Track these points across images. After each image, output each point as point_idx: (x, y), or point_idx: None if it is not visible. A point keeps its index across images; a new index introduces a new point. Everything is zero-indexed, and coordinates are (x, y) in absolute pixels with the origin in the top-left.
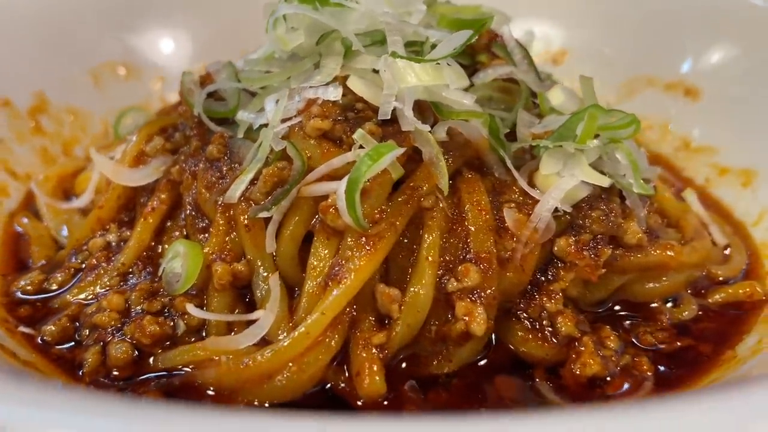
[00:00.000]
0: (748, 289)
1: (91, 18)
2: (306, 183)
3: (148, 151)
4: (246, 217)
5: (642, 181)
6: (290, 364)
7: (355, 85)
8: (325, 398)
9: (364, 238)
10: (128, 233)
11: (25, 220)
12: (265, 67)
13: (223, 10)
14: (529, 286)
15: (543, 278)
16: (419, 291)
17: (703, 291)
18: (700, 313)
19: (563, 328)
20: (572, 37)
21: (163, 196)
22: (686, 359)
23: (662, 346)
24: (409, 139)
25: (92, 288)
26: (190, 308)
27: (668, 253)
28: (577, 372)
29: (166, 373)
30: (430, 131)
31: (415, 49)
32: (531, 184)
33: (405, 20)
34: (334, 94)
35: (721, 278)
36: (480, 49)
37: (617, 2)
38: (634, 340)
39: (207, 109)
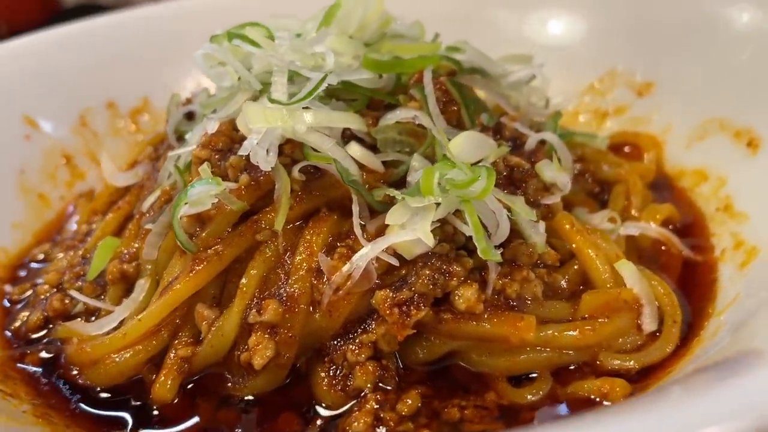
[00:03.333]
0: (607, 387)
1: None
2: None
3: (139, 158)
4: (141, 226)
5: (488, 245)
6: (113, 356)
7: (239, 120)
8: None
9: (192, 261)
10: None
11: (83, 201)
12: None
13: None
14: (345, 332)
15: (359, 327)
16: (228, 316)
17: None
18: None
19: (355, 380)
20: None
21: (129, 198)
22: None
23: (464, 427)
24: (269, 175)
25: (58, 264)
26: (72, 293)
27: (506, 326)
28: (347, 428)
29: (54, 341)
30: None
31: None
32: (382, 232)
33: (294, 61)
34: (212, 127)
35: (611, 368)
36: (401, 89)
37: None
38: (440, 411)
39: (180, 125)
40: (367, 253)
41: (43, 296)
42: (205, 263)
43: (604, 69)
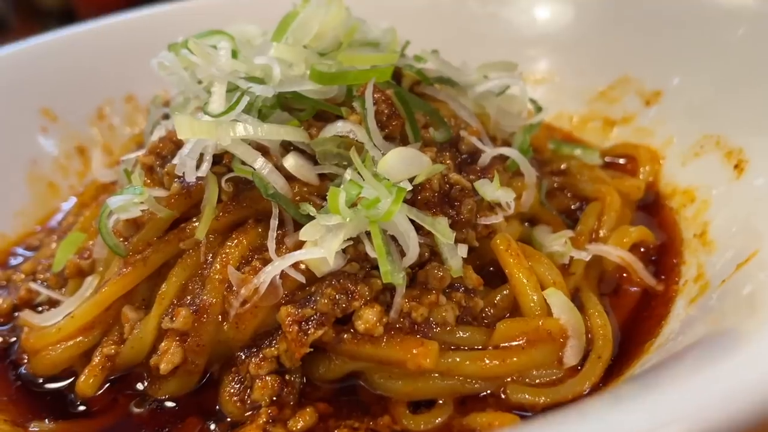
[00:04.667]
0: (496, 423)
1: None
2: None
3: (123, 156)
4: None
5: (392, 268)
6: (50, 346)
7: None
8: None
9: (121, 264)
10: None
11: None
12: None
13: None
14: (253, 344)
15: (266, 340)
16: (146, 321)
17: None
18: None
19: (253, 393)
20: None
21: (110, 194)
22: None
23: None
24: (201, 185)
25: (43, 253)
26: (32, 285)
27: (402, 351)
28: None
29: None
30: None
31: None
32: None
33: (237, 71)
34: (160, 134)
35: (515, 401)
36: (345, 101)
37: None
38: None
39: (157, 123)
40: (274, 268)
41: (19, 284)
42: (131, 267)
43: (617, 75)
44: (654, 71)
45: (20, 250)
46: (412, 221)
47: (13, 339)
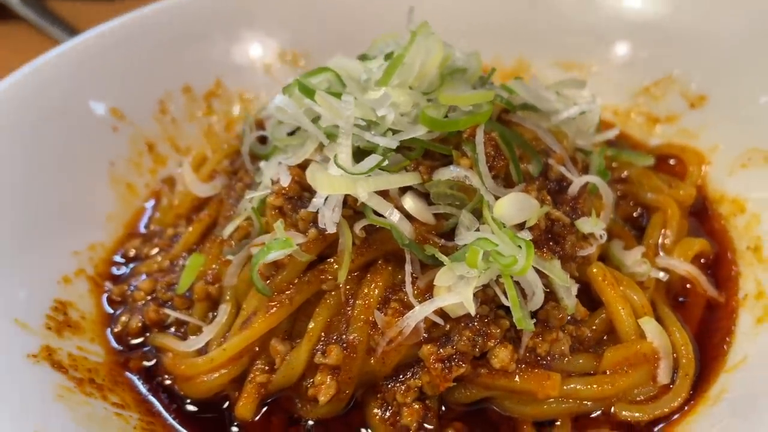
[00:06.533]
0: None
1: (262, 14)
2: (254, 244)
3: (218, 169)
4: (222, 254)
5: (523, 315)
6: (202, 374)
7: (309, 172)
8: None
9: (268, 302)
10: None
11: (166, 189)
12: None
13: None
14: (396, 375)
15: (408, 372)
16: (297, 354)
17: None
18: None
19: (403, 419)
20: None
21: (209, 211)
22: None
23: None
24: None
25: (152, 266)
26: (167, 310)
27: (534, 383)
28: None
29: (152, 347)
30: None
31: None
32: (430, 287)
33: (360, 125)
34: (285, 180)
35: (622, 418)
36: (454, 142)
37: None
38: None
39: (253, 148)
40: (417, 314)
41: (140, 302)
42: (278, 306)
43: (662, 73)
44: (701, 75)
45: (117, 258)
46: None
47: (149, 363)
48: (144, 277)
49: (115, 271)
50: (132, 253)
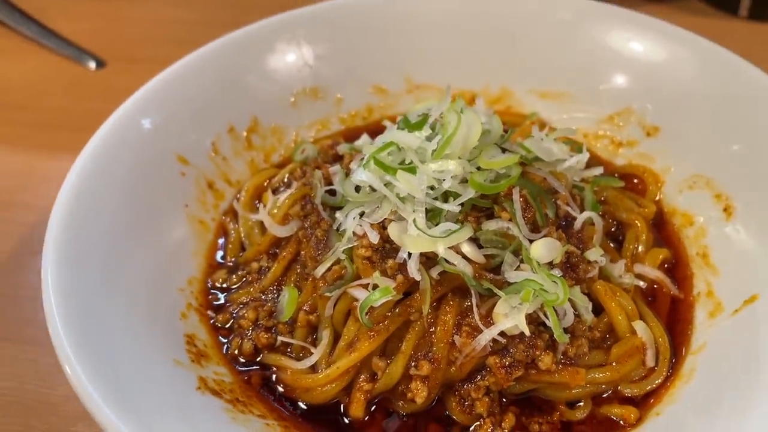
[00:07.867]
0: (625, 414)
1: (290, 49)
2: (350, 285)
3: (291, 213)
4: (319, 290)
5: (561, 332)
6: (320, 387)
7: (391, 231)
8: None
9: (369, 332)
10: (272, 264)
11: (230, 223)
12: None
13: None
14: (468, 377)
15: (478, 375)
16: (394, 368)
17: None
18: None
19: (476, 409)
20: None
21: (291, 249)
22: None
23: None
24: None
25: (246, 296)
26: (280, 337)
27: (568, 377)
28: None
29: (267, 366)
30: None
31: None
32: (490, 313)
33: (430, 193)
34: (374, 238)
35: (625, 395)
36: (492, 197)
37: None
38: (527, 426)
39: (324, 198)
40: (486, 335)
41: (247, 329)
42: (377, 333)
43: (624, 104)
44: (655, 109)
45: (217, 292)
46: None
47: (265, 378)
48: (243, 306)
49: (211, 300)
50: (221, 284)
